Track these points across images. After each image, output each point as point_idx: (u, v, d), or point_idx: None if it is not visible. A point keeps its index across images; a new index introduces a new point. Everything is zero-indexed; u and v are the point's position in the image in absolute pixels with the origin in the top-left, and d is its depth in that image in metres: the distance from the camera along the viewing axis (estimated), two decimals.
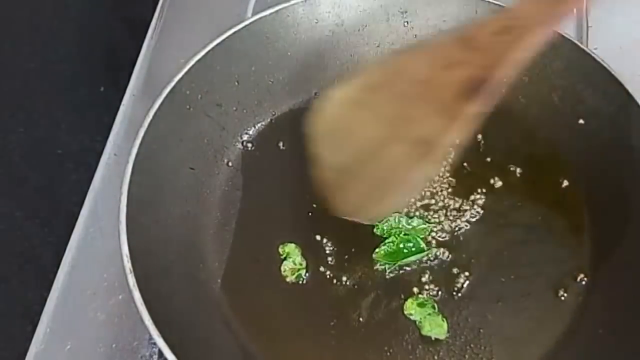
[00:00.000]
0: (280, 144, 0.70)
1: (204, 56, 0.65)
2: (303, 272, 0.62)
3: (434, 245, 0.63)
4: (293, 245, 0.63)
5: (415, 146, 0.57)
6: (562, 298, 0.61)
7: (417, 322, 0.59)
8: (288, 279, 0.62)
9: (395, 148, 0.58)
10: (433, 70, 0.58)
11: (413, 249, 0.62)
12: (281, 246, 0.63)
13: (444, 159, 0.61)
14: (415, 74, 0.59)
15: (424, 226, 0.64)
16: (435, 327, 0.59)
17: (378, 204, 0.61)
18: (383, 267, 0.62)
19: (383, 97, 0.60)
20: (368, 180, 0.60)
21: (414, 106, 0.58)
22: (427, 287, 0.61)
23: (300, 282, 0.62)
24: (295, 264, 0.62)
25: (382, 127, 0.59)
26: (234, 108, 0.69)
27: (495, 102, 0.55)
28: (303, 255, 0.63)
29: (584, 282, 0.61)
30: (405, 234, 0.63)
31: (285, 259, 0.63)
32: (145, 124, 0.60)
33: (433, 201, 0.66)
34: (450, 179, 0.68)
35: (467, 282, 0.61)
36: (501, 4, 0.67)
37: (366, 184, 0.60)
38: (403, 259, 0.62)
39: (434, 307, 0.60)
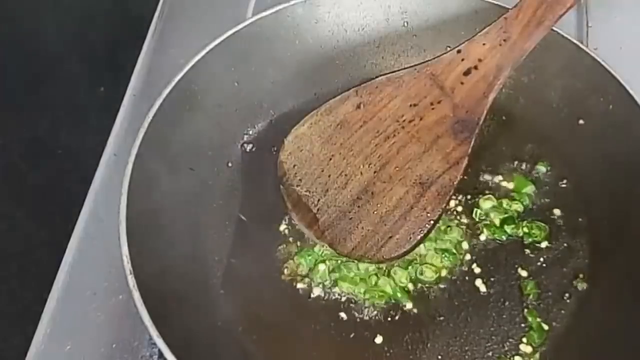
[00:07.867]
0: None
1: (204, 56, 0.65)
2: (305, 276, 0.62)
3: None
4: (294, 245, 0.63)
5: (414, 186, 0.60)
6: (563, 299, 0.61)
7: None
8: (289, 278, 0.62)
9: (393, 188, 0.60)
10: (418, 110, 0.60)
11: None
12: (282, 247, 0.63)
13: (445, 198, 0.60)
14: (399, 114, 0.60)
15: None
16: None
17: (387, 242, 0.60)
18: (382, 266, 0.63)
19: (365, 135, 0.62)
20: (368, 219, 0.60)
21: (408, 146, 0.60)
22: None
23: (300, 282, 0.62)
24: (302, 266, 0.62)
25: (371, 167, 0.61)
26: (234, 108, 0.69)
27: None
28: (305, 255, 0.63)
29: (584, 283, 0.61)
30: None
31: (287, 259, 0.63)
32: (145, 124, 0.60)
33: None
34: None
35: (467, 282, 0.61)
36: (501, 4, 0.67)
37: (367, 223, 0.60)
38: None
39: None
